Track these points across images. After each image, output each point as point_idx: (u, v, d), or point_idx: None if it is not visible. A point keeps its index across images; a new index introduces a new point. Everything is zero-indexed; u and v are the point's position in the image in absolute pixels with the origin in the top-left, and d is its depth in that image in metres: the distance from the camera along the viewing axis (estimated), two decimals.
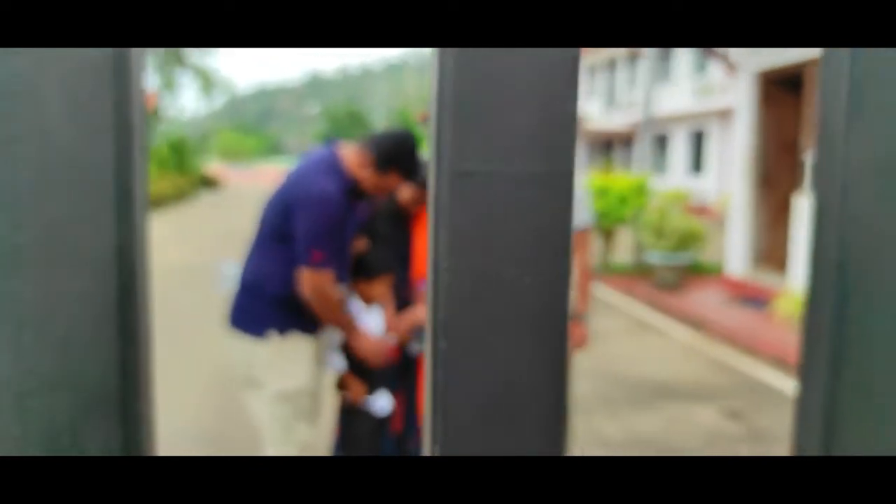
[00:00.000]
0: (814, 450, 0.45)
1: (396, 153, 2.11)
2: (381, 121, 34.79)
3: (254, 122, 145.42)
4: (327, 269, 2.01)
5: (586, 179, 8.54)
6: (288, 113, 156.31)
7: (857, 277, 0.41)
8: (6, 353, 0.31)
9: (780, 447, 3.42)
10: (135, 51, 0.36)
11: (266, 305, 2.09)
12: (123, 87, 0.34)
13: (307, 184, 2.03)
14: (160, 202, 19.80)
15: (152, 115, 27.74)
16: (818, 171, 0.44)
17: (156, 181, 20.16)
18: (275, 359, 2.10)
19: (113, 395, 0.33)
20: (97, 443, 0.33)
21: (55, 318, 0.32)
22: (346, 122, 39.65)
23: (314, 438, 2.31)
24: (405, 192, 2.49)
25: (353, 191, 2.09)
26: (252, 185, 38.56)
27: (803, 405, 0.46)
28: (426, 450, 0.42)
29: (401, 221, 2.63)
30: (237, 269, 2.24)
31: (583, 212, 2.76)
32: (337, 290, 2.13)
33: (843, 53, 0.42)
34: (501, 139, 0.37)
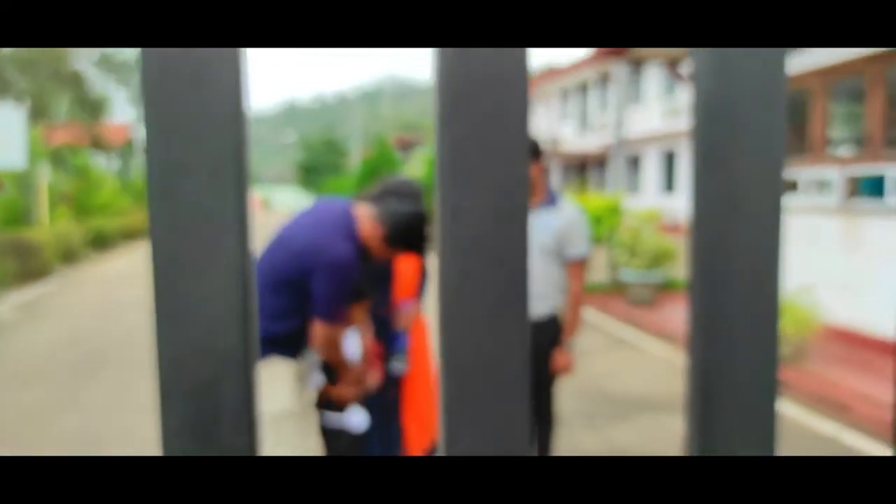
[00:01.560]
0: None
1: (406, 235, 2.21)
2: (357, 148, 34.95)
3: None
4: (341, 323, 2.16)
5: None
6: (264, 141, 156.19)
7: None
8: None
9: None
10: None
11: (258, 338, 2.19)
12: None
13: (329, 248, 2.10)
14: (136, 234, 19.70)
15: (127, 147, 27.67)
16: None
17: (136, 213, 20.07)
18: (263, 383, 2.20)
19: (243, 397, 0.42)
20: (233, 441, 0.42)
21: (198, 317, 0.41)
22: (322, 150, 39.72)
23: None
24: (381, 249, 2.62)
25: (362, 252, 2.20)
26: None
27: None
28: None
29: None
30: None
31: (581, 243, 2.83)
32: (342, 338, 2.27)
33: None
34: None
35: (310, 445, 2.50)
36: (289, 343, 2.21)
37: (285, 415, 2.25)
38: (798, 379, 4.63)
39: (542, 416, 2.95)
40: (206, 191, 0.40)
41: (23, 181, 13.19)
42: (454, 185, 0.43)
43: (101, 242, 16.09)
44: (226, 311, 0.40)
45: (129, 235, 18.86)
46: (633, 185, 20.46)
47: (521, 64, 0.44)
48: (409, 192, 2.30)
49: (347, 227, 2.16)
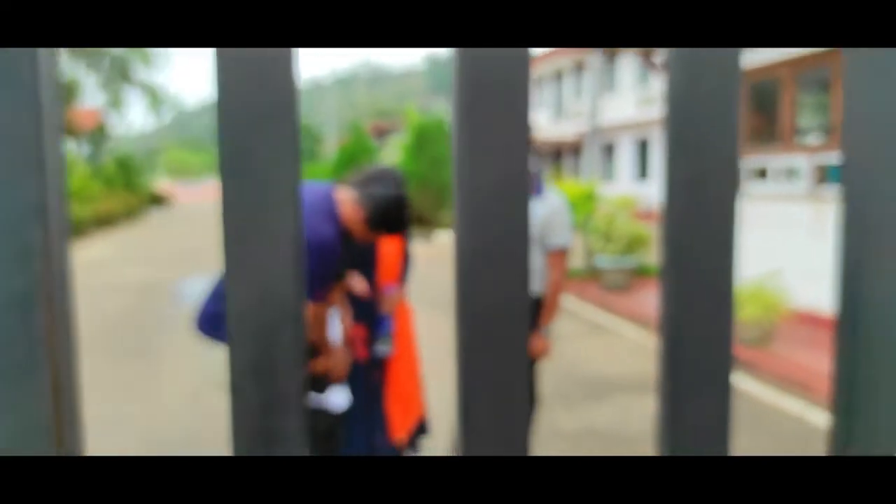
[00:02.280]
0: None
1: (387, 218, 2.27)
2: (333, 134, 34.71)
3: (202, 138, 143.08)
4: (324, 302, 2.23)
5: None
6: None
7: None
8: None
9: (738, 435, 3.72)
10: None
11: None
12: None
13: (310, 229, 2.11)
14: (110, 220, 19.45)
15: (97, 132, 27.19)
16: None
17: (104, 199, 19.80)
18: None
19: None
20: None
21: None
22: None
23: None
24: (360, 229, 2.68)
25: (344, 234, 2.26)
26: (201, 202, 37.99)
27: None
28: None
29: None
30: (196, 286, 2.42)
31: (564, 232, 2.91)
32: (327, 315, 2.33)
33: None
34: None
35: None
36: None
37: None
38: (765, 360, 4.80)
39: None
40: (267, 170, 0.47)
41: None
42: (470, 170, 0.51)
43: (74, 230, 15.89)
44: (282, 270, 0.48)
45: (102, 222, 18.62)
46: (608, 172, 20.68)
47: (524, 63, 0.52)
48: (391, 178, 2.37)
49: (329, 209, 2.22)
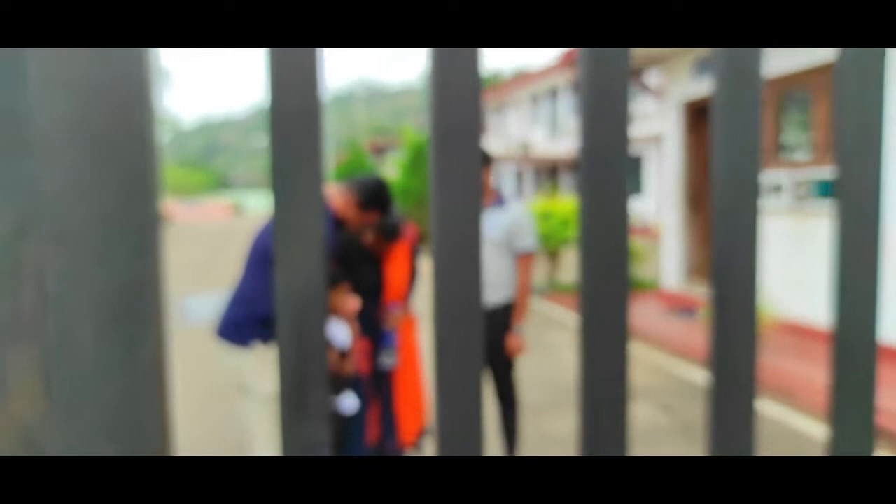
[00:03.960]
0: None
1: (375, 195, 2.62)
2: (331, 151, 34.96)
3: (199, 157, 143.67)
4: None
5: (531, 207, 9.08)
6: (234, 146, 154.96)
7: None
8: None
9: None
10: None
11: (254, 319, 2.43)
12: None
13: None
14: None
15: None
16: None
17: None
18: (260, 365, 2.45)
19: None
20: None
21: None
22: None
23: None
24: (368, 236, 2.94)
25: (336, 225, 2.55)
26: (200, 221, 38.12)
27: None
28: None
29: (370, 257, 3.03)
30: (201, 304, 2.64)
31: (528, 238, 3.20)
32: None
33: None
34: None
35: None
36: None
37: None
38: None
39: (503, 394, 3.26)
40: (292, 176, 0.66)
41: None
42: (438, 187, 0.70)
43: None
44: (312, 266, 0.67)
45: None
46: None
47: (474, 68, 0.71)
48: (370, 175, 2.76)
49: None
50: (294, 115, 0.66)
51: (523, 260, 3.21)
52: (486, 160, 3.09)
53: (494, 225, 3.14)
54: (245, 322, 2.44)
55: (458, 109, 0.68)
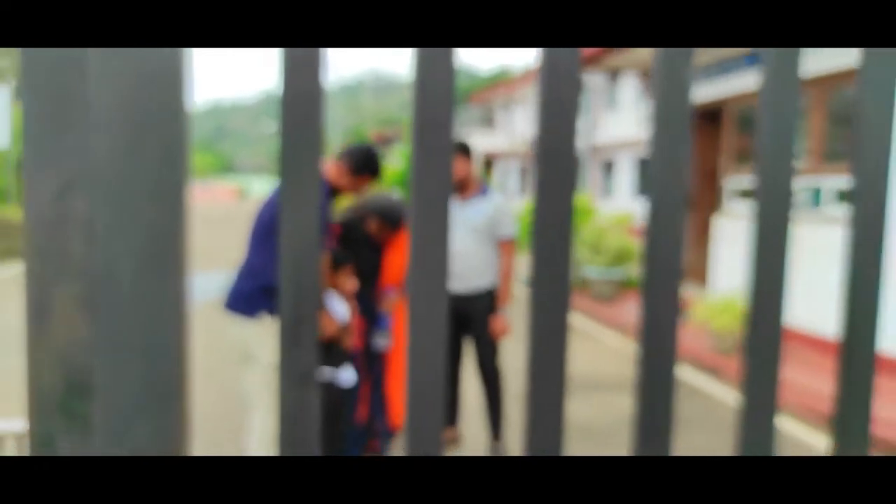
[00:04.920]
0: None
1: (366, 160, 2.82)
2: (337, 140, 35.12)
3: (206, 140, 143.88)
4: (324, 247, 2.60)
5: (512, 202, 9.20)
6: (242, 131, 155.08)
7: None
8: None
9: (686, 428, 4.05)
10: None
11: (261, 291, 2.59)
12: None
13: None
14: None
15: None
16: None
17: None
18: (266, 336, 2.61)
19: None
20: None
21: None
22: None
23: None
24: (373, 225, 3.10)
25: (331, 193, 2.72)
26: (206, 202, 38.29)
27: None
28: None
29: (370, 244, 3.19)
30: (208, 282, 2.81)
31: (509, 225, 3.39)
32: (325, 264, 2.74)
33: None
34: None
35: None
36: None
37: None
38: (730, 366, 5.13)
39: (489, 378, 3.43)
40: (298, 151, 0.81)
41: (3, 160, 13.32)
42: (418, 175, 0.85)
43: None
44: (310, 261, 0.82)
45: None
46: (608, 188, 21.05)
47: (448, 69, 0.86)
48: (360, 143, 2.95)
49: None
50: (300, 100, 0.81)
51: (505, 246, 3.40)
52: (466, 152, 3.30)
53: (478, 213, 3.33)
54: (253, 294, 2.59)
55: (434, 105, 0.83)
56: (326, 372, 2.82)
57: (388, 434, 3.30)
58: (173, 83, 0.73)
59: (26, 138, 0.72)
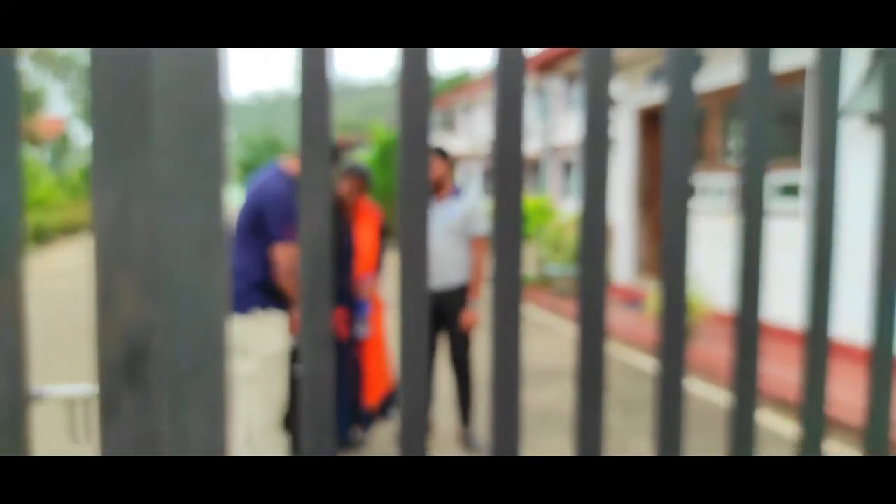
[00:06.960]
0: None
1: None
2: (296, 145, 34.88)
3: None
4: (293, 242, 2.79)
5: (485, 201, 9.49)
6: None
7: None
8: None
9: (641, 411, 4.35)
10: None
11: (250, 288, 2.78)
12: None
13: (269, 191, 2.82)
14: (75, 229, 19.56)
15: (60, 142, 27.13)
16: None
17: (73, 208, 19.90)
18: (260, 330, 2.80)
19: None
20: None
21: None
22: (263, 148, 39.46)
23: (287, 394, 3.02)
24: (344, 185, 3.35)
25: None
26: None
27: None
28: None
29: (340, 217, 3.41)
30: None
31: (481, 223, 3.64)
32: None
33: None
34: None
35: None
36: (276, 292, 2.80)
37: (280, 355, 2.87)
38: (689, 354, 5.46)
39: (460, 362, 3.69)
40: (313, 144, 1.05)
41: (36, 172, 13.07)
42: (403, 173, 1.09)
43: (41, 237, 16.04)
44: (322, 248, 1.05)
45: (68, 230, 18.73)
46: (567, 188, 21.50)
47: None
48: None
49: (279, 172, 2.91)
50: (310, 103, 1.04)
51: (477, 243, 3.65)
52: (443, 155, 3.55)
53: (452, 213, 3.58)
54: (244, 292, 2.79)
55: (413, 108, 1.06)
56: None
57: (369, 416, 3.56)
58: (213, 80, 0.94)
59: (94, 154, 0.92)
